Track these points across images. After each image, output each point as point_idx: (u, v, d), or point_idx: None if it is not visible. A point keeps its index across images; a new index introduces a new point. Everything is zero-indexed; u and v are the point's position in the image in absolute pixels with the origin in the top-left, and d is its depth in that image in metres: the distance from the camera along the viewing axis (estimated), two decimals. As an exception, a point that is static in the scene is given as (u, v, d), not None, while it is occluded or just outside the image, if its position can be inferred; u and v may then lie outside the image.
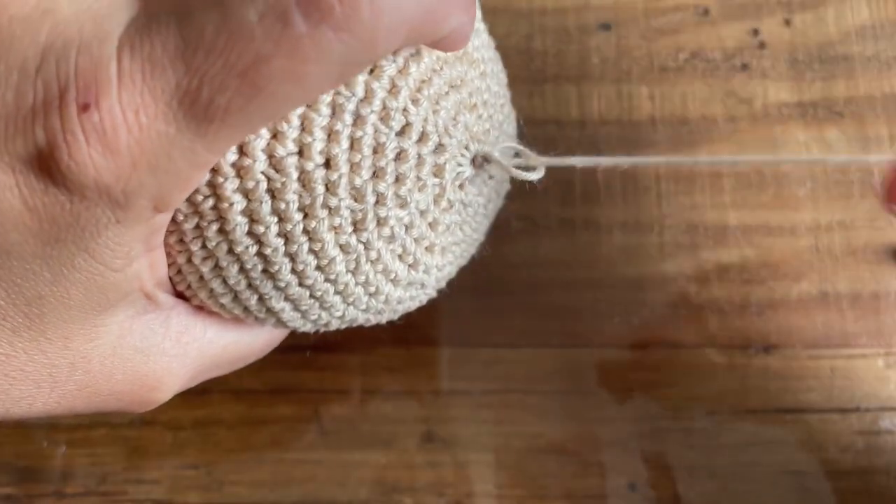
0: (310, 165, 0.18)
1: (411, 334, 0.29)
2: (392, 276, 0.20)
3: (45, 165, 0.14)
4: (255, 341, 0.22)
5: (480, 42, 0.22)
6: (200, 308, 0.21)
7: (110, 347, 0.18)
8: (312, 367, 0.29)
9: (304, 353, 0.29)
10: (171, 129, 0.14)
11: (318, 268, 0.19)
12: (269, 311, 0.20)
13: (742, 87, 0.33)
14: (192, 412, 0.28)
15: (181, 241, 0.19)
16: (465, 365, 0.29)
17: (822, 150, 0.32)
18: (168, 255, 0.19)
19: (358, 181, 0.18)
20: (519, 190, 0.31)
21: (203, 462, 0.28)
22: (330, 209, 0.18)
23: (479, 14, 0.22)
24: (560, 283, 0.30)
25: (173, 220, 0.18)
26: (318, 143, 0.18)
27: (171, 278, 0.20)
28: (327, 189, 0.18)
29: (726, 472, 0.28)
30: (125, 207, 0.15)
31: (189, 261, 0.19)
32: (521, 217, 0.31)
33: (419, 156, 0.19)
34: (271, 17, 0.14)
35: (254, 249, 0.18)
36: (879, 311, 0.29)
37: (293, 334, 0.27)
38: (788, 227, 0.30)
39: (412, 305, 0.23)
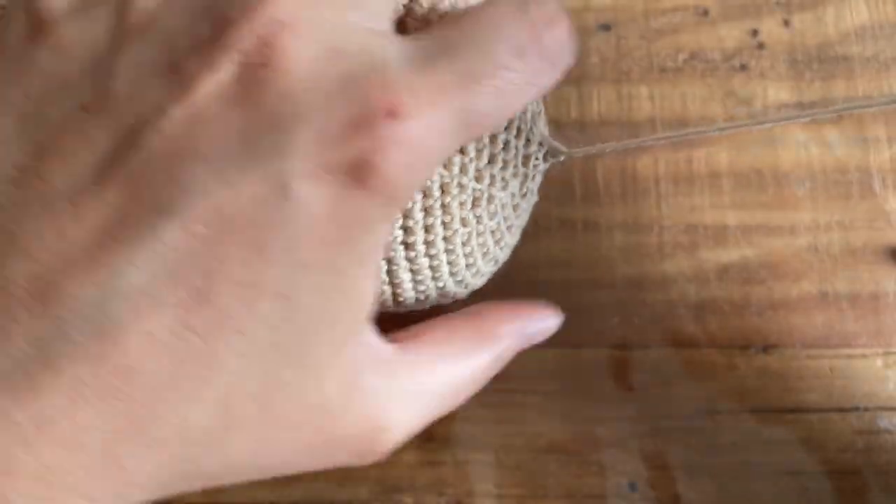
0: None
1: (411, 334, 0.29)
2: (485, 250, 0.24)
3: (358, 174, 0.16)
4: (473, 365, 0.23)
5: None
6: (408, 333, 0.22)
7: (348, 387, 0.18)
8: (312, 367, 0.29)
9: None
10: (451, 140, 0.17)
11: (444, 238, 0.22)
12: (391, 280, 0.23)
13: (741, 88, 0.33)
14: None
15: None
16: (465, 365, 0.29)
17: (821, 150, 0.32)
18: None
19: (481, 165, 0.22)
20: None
21: (203, 462, 0.28)
22: (460, 186, 0.22)
23: None
24: (560, 283, 0.30)
25: None
26: None
27: None
28: (461, 170, 0.22)
29: (726, 472, 0.28)
30: (397, 206, 0.18)
31: None
32: (520, 217, 0.31)
33: (516, 147, 0.24)
34: (517, 53, 0.18)
35: (398, 223, 0.21)
36: (879, 311, 0.29)
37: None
38: (788, 227, 0.30)
39: (480, 283, 0.26)
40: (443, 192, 0.22)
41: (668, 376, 0.29)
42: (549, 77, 0.19)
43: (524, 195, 0.25)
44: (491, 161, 0.23)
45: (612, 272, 0.30)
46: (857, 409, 0.28)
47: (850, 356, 0.29)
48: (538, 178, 0.26)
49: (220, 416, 0.16)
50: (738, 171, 0.31)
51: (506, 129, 0.23)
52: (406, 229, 0.22)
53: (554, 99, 0.33)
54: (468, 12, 0.18)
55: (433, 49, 0.17)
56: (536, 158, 0.25)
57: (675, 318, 0.30)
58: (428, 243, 0.22)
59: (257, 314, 0.16)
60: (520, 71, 0.17)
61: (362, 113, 0.16)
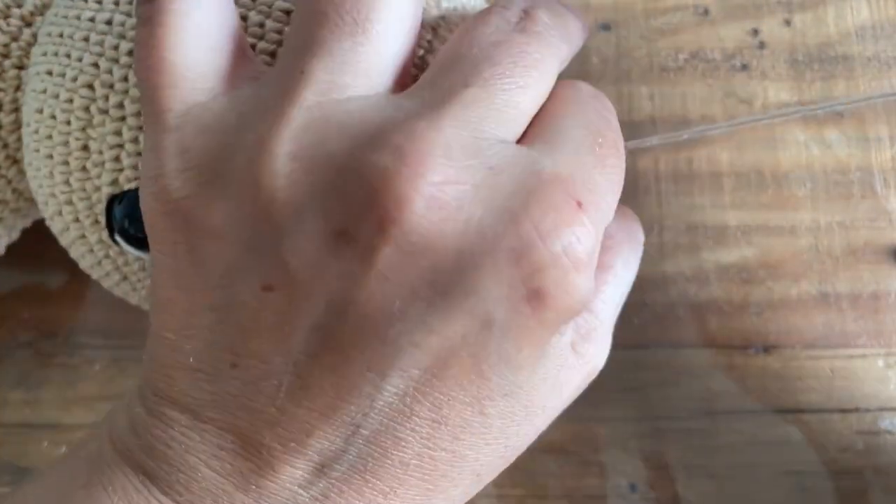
0: None
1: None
2: None
3: (545, 294, 0.17)
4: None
5: None
6: None
7: (565, 384, 0.20)
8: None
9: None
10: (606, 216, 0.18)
11: None
12: None
13: (742, 87, 0.33)
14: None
15: None
16: (465, 365, 0.29)
17: (821, 150, 0.32)
18: None
19: None
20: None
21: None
22: None
23: None
24: (560, 283, 0.30)
25: None
26: None
27: None
28: None
29: (726, 473, 0.28)
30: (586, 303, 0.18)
31: None
32: (520, 217, 0.31)
33: None
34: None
35: None
36: (879, 311, 0.29)
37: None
38: (788, 227, 0.30)
39: None
40: None
41: (668, 376, 0.29)
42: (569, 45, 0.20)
43: None
44: None
45: (612, 272, 0.30)
46: (857, 409, 0.28)
47: (850, 356, 0.29)
48: None
49: (475, 481, 0.19)
50: (738, 171, 0.31)
51: None
52: None
53: (554, 99, 0.33)
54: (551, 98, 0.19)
55: (550, 140, 0.18)
56: None
57: (675, 318, 0.30)
58: None
59: (486, 415, 0.18)
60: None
61: (546, 223, 0.16)
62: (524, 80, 0.18)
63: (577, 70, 0.33)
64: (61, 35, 0.22)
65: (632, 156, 0.32)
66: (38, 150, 0.22)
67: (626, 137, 0.30)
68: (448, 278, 0.16)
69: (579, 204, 0.17)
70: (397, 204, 0.16)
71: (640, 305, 0.30)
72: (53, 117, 0.21)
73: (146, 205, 0.18)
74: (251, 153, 0.17)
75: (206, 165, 0.17)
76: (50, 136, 0.22)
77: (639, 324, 0.29)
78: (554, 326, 0.18)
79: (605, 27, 0.34)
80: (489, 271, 0.16)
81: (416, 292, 0.16)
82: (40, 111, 0.22)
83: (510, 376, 0.17)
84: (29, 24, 0.24)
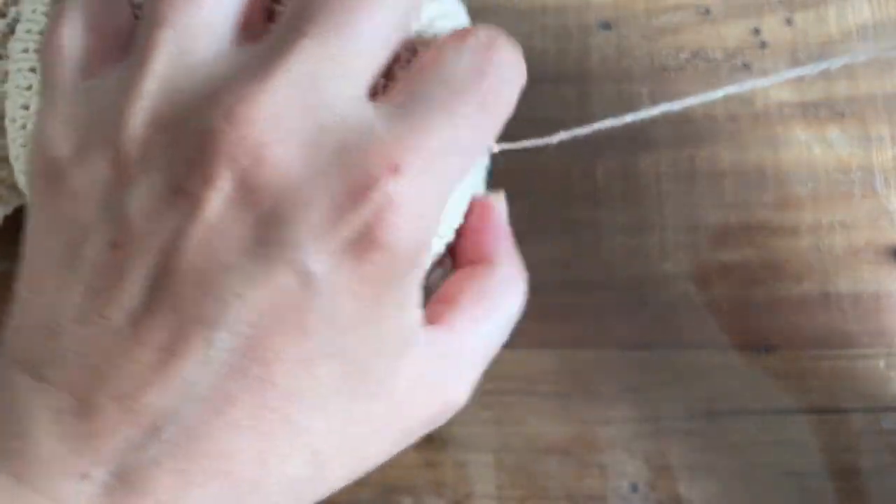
0: None
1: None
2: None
3: (369, 241, 0.17)
4: (503, 320, 0.24)
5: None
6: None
7: (414, 382, 0.20)
8: (312, 367, 0.29)
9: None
10: (443, 185, 0.19)
11: None
12: None
13: (743, 87, 0.33)
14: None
15: None
16: (465, 365, 0.29)
17: (823, 150, 0.32)
18: None
19: None
20: (519, 190, 0.31)
21: (202, 462, 0.28)
22: None
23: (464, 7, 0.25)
24: (560, 283, 0.30)
25: None
26: None
27: None
28: None
29: (727, 473, 0.28)
30: (421, 258, 0.19)
31: None
32: (521, 217, 0.31)
33: None
34: (474, 73, 0.19)
35: None
36: (881, 312, 0.29)
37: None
38: (789, 227, 0.30)
39: None
40: None
41: (668, 376, 0.29)
42: (507, 92, 0.21)
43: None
44: None
45: (612, 272, 0.30)
46: (858, 410, 0.28)
47: (851, 356, 0.29)
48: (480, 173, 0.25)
49: (313, 460, 0.19)
50: (739, 170, 0.31)
51: None
52: None
53: (554, 98, 0.33)
54: (422, 62, 0.20)
55: (407, 103, 0.19)
56: None
57: (676, 319, 0.29)
58: None
59: (316, 377, 0.18)
60: (479, 102, 0.19)
61: (361, 181, 0.17)
62: (361, 29, 0.18)
63: (576, 69, 0.33)
64: (41, 33, 0.23)
65: (633, 155, 0.32)
66: (24, 146, 0.23)
67: (627, 137, 0.30)
68: (269, 232, 0.17)
69: (396, 167, 0.17)
70: (224, 161, 0.17)
71: (640, 305, 0.30)
72: None
73: (28, 165, 0.20)
74: (112, 122, 0.18)
75: (78, 133, 0.19)
76: None
77: (639, 324, 0.29)
78: (375, 287, 0.18)
79: (606, 26, 0.34)
80: (306, 227, 0.17)
81: (241, 245, 0.17)
82: (26, 107, 0.23)
83: (334, 336, 0.18)
84: (3, 15, 0.25)
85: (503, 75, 0.20)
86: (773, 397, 0.29)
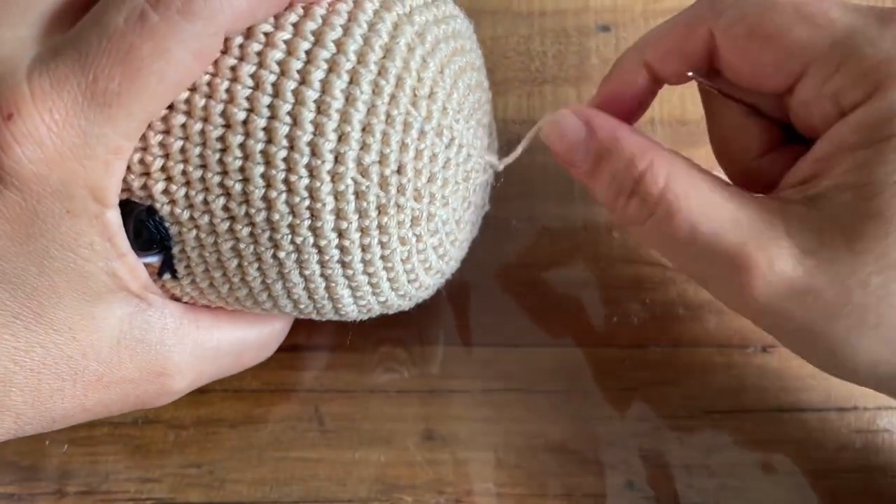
0: (387, 171, 0.22)
1: (411, 334, 0.29)
2: (428, 265, 0.24)
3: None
4: (256, 333, 0.25)
5: (483, 67, 0.26)
6: (193, 305, 0.24)
7: (115, 339, 0.22)
8: (312, 366, 0.29)
9: (304, 352, 0.29)
10: (81, 121, 0.19)
11: (382, 257, 0.23)
12: (331, 297, 0.23)
13: (740, 88, 0.33)
14: (193, 411, 0.28)
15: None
16: (465, 364, 0.29)
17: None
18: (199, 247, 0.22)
19: (419, 184, 0.22)
20: (519, 190, 0.31)
21: (205, 461, 0.28)
22: (399, 207, 0.22)
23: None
24: (560, 282, 0.30)
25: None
26: (394, 154, 0.22)
27: (184, 285, 0.23)
28: (398, 191, 0.22)
29: (724, 471, 0.28)
30: (67, 197, 0.20)
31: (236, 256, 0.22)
32: (521, 217, 0.31)
33: (458, 165, 0.24)
34: (133, 17, 0.19)
35: (335, 242, 0.22)
36: (877, 311, 0.29)
37: (291, 334, 0.28)
38: (787, 227, 0.30)
39: (426, 296, 0.26)
40: (379, 212, 0.22)
41: (667, 375, 0.29)
42: (189, 28, 0.20)
43: (467, 208, 0.25)
44: (430, 180, 0.23)
45: (611, 272, 0.30)
46: (855, 408, 0.28)
47: (848, 356, 0.29)
48: (481, 191, 0.26)
49: None
50: (737, 171, 0.31)
51: (446, 147, 0.23)
52: (342, 248, 0.22)
53: (554, 99, 0.33)
54: None
55: (62, 42, 0.19)
56: (476, 171, 0.25)
57: (673, 318, 0.30)
58: (366, 262, 0.23)
59: None
60: (139, 28, 0.19)
61: None
62: None
63: (576, 70, 0.33)
64: None
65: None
66: None
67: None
68: None
69: (8, 116, 0.18)
70: None
71: (640, 305, 0.30)
72: None
73: None
74: None
75: None
76: None
77: (638, 323, 0.29)
78: (18, 223, 0.19)
79: (605, 28, 0.34)
80: None
81: None
82: None
83: None
84: None
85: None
86: (769, 396, 0.29)
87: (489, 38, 0.34)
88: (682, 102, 0.33)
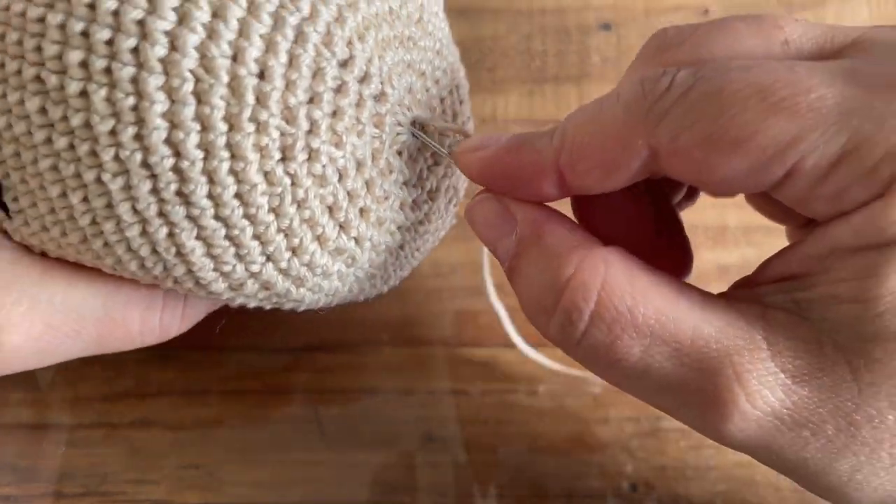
0: (242, 71, 0.17)
1: (411, 334, 0.29)
2: (319, 231, 0.19)
3: None
4: (97, 294, 0.21)
5: (439, 23, 0.22)
6: (34, 252, 0.21)
7: None
8: (312, 367, 0.29)
9: (303, 353, 0.29)
10: None
11: (237, 195, 0.18)
12: (178, 251, 0.18)
13: (742, 87, 0.33)
14: (192, 412, 0.28)
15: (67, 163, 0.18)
16: (465, 365, 0.29)
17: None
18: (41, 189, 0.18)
19: (292, 100, 0.17)
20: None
21: (203, 462, 0.28)
22: (258, 124, 0.17)
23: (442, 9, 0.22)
24: (560, 283, 0.30)
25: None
26: (254, 51, 0.17)
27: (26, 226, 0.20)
28: (258, 101, 0.17)
29: (726, 473, 0.28)
30: None
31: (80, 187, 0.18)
32: (521, 217, 0.31)
33: (360, 95, 0.18)
34: None
35: (170, 162, 0.17)
36: (879, 311, 0.29)
37: (291, 335, 0.27)
38: (788, 227, 0.30)
39: (338, 289, 0.21)
40: (231, 127, 0.17)
41: (668, 376, 0.29)
42: None
43: (388, 174, 0.20)
44: (312, 101, 0.18)
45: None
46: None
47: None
48: (421, 168, 0.21)
49: None
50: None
51: (339, 65, 0.18)
52: (179, 172, 0.17)
53: (555, 98, 0.33)
54: None
55: None
56: (399, 126, 0.20)
57: (675, 319, 0.30)
58: (215, 197, 0.18)
59: None
60: None
61: None
62: None
63: (577, 70, 0.33)
64: None
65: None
66: None
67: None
68: None
69: None
70: None
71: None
72: None
73: None
74: None
75: None
76: None
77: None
78: None
79: (606, 27, 0.34)
80: None
81: None
82: None
83: None
84: None
85: None
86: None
87: (489, 36, 0.34)
88: (684, 101, 0.32)
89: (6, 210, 0.19)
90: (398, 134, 0.20)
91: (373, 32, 0.19)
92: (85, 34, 0.16)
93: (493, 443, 0.28)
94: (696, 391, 0.17)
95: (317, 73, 0.18)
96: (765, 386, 0.17)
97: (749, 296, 0.18)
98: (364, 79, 0.18)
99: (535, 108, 0.33)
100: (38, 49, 0.17)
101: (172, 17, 0.16)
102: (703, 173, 0.17)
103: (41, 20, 0.17)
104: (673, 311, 0.17)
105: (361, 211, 0.20)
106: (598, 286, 0.17)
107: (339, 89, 0.18)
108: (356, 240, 0.20)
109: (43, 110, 0.17)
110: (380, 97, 0.19)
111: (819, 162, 0.16)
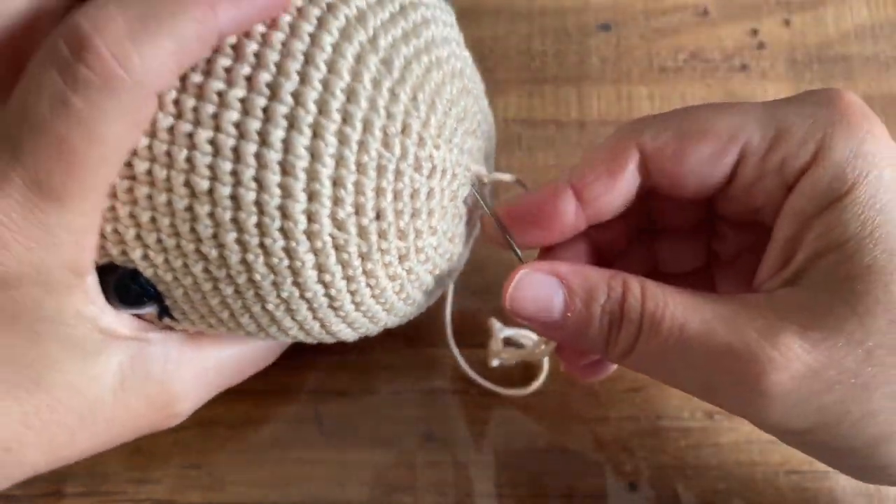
0: (365, 220, 0.21)
1: (412, 334, 0.29)
2: (424, 287, 0.24)
3: None
4: (256, 349, 0.25)
5: (467, 66, 0.24)
6: (194, 334, 0.24)
7: (118, 384, 0.22)
8: (312, 367, 0.29)
9: (303, 354, 0.29)
10: (38, 214, 0.19)
11: (374, 296, 0.22)
12: (329, 333, 0.23)
13: (741, 88, 0.33)
14: (193, 412, 0.28)
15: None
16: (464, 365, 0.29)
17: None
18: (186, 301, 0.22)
19: (402, 224, 0.22)
20: (518, 190, 0.31)
21: (204, 462, 0.28)
22: (382, 252, 0.21)
23: (461, 39, 0.24)
24: (560, 283, 0.30)
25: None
26: (369, 202, 0.21)
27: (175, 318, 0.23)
28: (380, 236, 0.21)
29: (725, 472, 0.28)
30: (44, 281, 0.20)
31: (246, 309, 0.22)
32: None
33: (442, 189, 0.22)
34: (56, 104, 0.18)
35: (322, 292, 0.22)
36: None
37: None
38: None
39: (426, 303, 0.25)
40: (363, 259, 0.21)
41: (667, 376, 0.29)
42: (114, 104, 0.18)
43: (458, 223, 0.24)
44: (414, 215, 0.22)
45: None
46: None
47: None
48: (471, 197, 0.25)
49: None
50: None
51: (427, 178, 0.22)
52: (330, 297, 0.22)
53: (554, 99, 0.33)
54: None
55: (1, 146, 0.19)
56: (463, 185, 0.24)
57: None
58: (357, 304, 0.22)
59: None
60: (64, 116, 0.18)
61: None
62: None
63: (576, 71, 0.33)
64: None
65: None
66: None
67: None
68: None
69: None
70: None
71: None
72: None
73: None
74: None
75: None
76: None
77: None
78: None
79: (605, 27, 0.34)
80: None
81: None
82: None
83: None
84: None
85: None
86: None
87: (489, 37, 0.34)
88: (683, 102, 0.33)
89: (172, 317, 0.23)
90: (463, 192, 0.24)
91: (444, 135, 0.22)
92: (234, 220, 0.20)
93: (492, 443, 0.28)
94: (731, 358, 0.20)
95: (414, 195, 0.22)
96: (786, 342, 0.20)
97: (752, 294, 0.22)
98: (443, 175, 0.22)
99: (535, 108, 0.33)
100: (193, 230, 0.20)
101: (303, 197, 0.20)
102: (679, 163, 0.22)
103: (189, 209, 0.20)
104: (697, 300, 0.21)
105: (448, 259, 0.24)
106: (640, 290, 0.22)
107: (429, 196, 0.22)
108: (442, 275, 0.24)
109: (207, 271, 0.21)
110: (453, 179, 0.23)
111: (760, 143, 0.21)
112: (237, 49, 0.20)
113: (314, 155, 0.20)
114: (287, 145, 0.20)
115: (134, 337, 0.22)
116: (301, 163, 0.20)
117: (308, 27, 0.20)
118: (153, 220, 0.20)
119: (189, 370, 0.24)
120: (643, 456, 0.28)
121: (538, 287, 0.23)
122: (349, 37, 0.20)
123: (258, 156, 0.20)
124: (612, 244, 0.25)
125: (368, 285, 0.22)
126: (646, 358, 0.22)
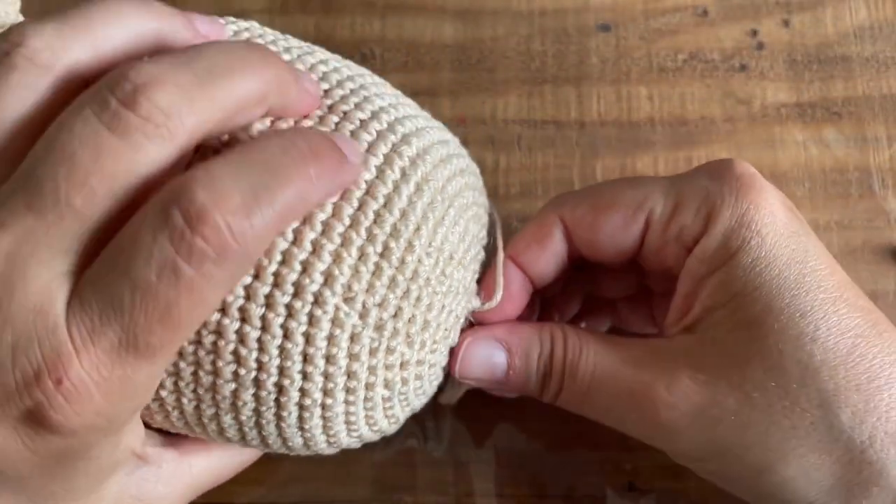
0: (375, 385, 0.23)
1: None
2: (407, 405, 0.25)
3: (38, 422, 0.19)
4: (234, 460, 0.27)
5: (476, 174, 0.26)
6: (184, 446, 0.25)
7: (114, 501, 0.23)
8: (313, 366, 0.29)
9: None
10: (127, 371, 0.19)
11: (366, 417, 0.24)
12: (306, 446, 0.24)
13: (741, 88, 0.33)
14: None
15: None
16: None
17: (820, 150, 0.32)
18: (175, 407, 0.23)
19: (413, 330, 0.23)
20: (519, 190, 0.31)
21: (204, 461, 0.28)
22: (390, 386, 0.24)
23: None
24: (559, 282, 0.30)
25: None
26: (364, 374, 0.23)
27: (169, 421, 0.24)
28: (383, 409, 0.24)
29: (725, 471, 0.28)
30: (113, 430, 0.20)
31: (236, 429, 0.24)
32: (521, 217, 0.31)
33: (452, 311, 0.24)
34: (166, 272, 0.18)
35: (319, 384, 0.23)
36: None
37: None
38: (787, 226, 0.30)
39: (399, 425, 0.26)
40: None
41: (667, 376, 0.29)
42: (223, 273, 0.19)
43: (447, 348, 0.25)
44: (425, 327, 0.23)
45: (611, 272, 0.30)
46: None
47: (849, 355, 0.29)
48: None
49: None
50: (737, 170, 0.31)
51: (423, 330, 0.23)
52: (326, 391, 0.22)
53: (554, 99, 0.33)
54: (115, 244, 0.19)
55: (91, 290, 0.19)
56: (463, 311, 0.25)
57: (674, 318, 0.30)
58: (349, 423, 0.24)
59: None
60: (174, 283, 0.18)
61: (32, 373, 0.19)
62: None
63: (576, 71, 0.33)
64: None
65: (631, 156, 0.32)
66: None
67: (626, 138, 0.30)
68: None
69: (58, 381, 0.19)
70: None
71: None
72: None
73: None
74: None
75: None
76: None
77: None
78: (67, 457, 0.20)
79: (605, 28, 0.34)
80: None
81: None
82: None
83: (18, 488, 0.21)
84: None
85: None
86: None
87: (489, 37, 0.34)
88: (682, 102, 0.33)
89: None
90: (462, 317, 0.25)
91: (466, 260, 0.24)
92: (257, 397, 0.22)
93: (493, 442, 0.28)
94: (631, 394, 0.24)
95: (410, 343, 0.23)
96: (676, 381, 0.23)
97: (657, 338, 0.25)
98: (455, 296, 0.24)
99: (535, 108, 0.33)
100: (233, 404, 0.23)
101: (321, 382, 0.22)
102: (595, 232, 0.25)
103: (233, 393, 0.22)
104: (607, 347, 0.25)
105: (433, 381, 0.25)
106: (562, 344, 0.25)
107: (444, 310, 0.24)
108: (424, 398, 0.26)
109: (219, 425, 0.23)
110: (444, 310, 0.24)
111: (662, 212, 0.25)
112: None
113: (328, 361, 0.22)
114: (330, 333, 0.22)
115: (140, 454, 0.23)
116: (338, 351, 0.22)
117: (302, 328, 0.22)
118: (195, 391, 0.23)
119: (178, 487, 0.25)
120: (643, 455, 0.28)
121: (482, 352, 0.26)
122: (341, 324, 0.22)
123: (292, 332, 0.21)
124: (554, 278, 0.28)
125: (366, 410, 0.24)
126: (571, 398, 0.25)
